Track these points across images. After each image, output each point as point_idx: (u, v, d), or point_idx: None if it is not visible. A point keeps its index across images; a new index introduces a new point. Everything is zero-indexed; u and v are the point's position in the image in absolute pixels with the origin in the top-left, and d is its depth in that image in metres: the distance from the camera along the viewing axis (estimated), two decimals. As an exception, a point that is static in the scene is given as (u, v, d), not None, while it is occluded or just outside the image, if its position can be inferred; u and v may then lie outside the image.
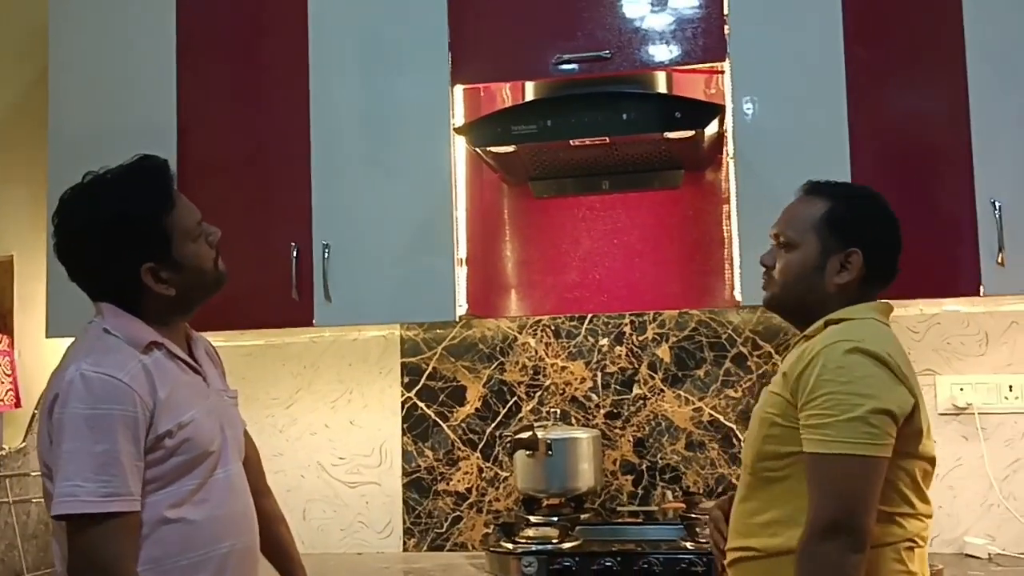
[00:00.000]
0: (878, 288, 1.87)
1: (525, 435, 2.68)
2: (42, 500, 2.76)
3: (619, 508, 2.90)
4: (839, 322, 1.78)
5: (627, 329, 2.97)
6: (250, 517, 1.88)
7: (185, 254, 1.79)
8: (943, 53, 2.49)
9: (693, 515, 2.58)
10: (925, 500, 1.74)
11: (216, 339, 2.10)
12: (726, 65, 2.62)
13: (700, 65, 2.71)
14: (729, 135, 2.63)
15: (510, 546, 2.47)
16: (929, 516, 1.75)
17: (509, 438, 2.91)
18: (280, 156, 2.81)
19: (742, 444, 2.84)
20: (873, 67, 2.53)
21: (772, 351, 2.88)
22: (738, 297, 2.60)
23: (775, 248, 1.91)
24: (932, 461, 1.75)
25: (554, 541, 2.47)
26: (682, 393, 2.93)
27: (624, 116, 2.51)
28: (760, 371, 2.88)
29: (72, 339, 1.79)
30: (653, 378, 2.95)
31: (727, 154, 2.72)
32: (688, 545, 2.41)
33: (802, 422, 1.69)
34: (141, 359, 1.71)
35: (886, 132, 2.53)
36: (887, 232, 1.86)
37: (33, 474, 2.79)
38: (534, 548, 2.45)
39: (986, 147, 2.45)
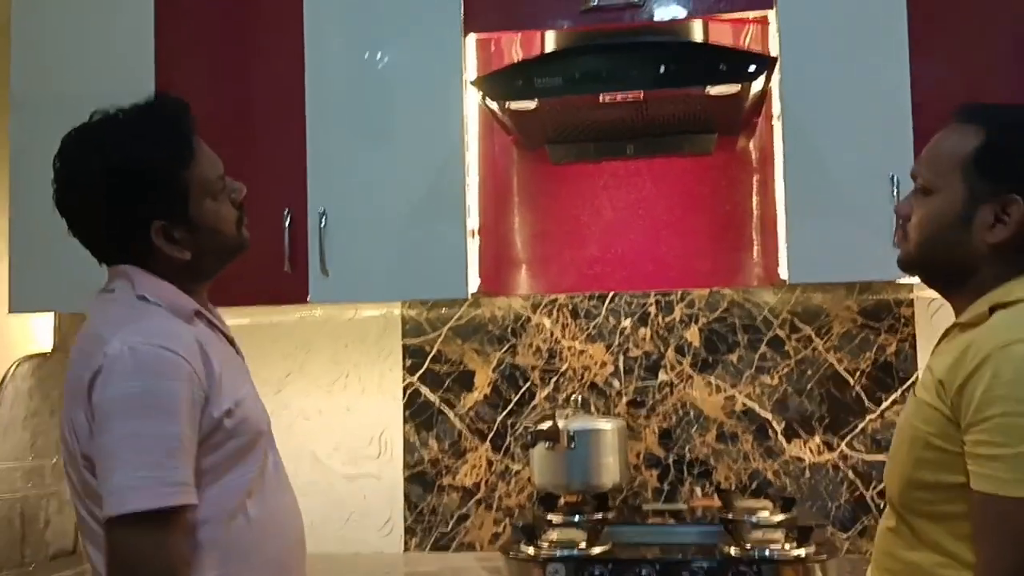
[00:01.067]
0: None
1: (546, 426, 2.42)
2: (6, 492, 2.54)
3: (644, 506, 2.66)
4: (1008, 305, 1.41)
5: (652, 309, 2.73)
6: (297, 505, 1.67)
7: (203, 212, 1.57)
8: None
9: (732, 516, 2.32)
10: None
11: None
12: (772, 14, 2.37)
13: (744, 14, 2.44)
14: (775, 93, 2.37)
15: (532, 551, 2.20)
16: None
17: (522, 428, 2.66)
18: (271, 111, 2.55)
19: (768, 433, 2.59)
20: (938, 14, 2.29)
21: (812, 334, 2.64)
22: (783, 275, 2.34)
23: (913, 194, 1.55)
24: None
25: (582, 546, 2.20)
26: (713, 380, 2.69)
27: (662, 68, 2.23)
28: (799, 356, 2.63)
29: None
30: (681, 363, 2.71)
31: (771, 115, 2.46)
32: (732, 550, 2.15)
33: (967, 448, 1.35)
34: (191, 330, 1.49)
35: (953, 87, 2.28)
36: None
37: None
38: (559, 554, 2.18)
39: (1066, 104, 2.21)
